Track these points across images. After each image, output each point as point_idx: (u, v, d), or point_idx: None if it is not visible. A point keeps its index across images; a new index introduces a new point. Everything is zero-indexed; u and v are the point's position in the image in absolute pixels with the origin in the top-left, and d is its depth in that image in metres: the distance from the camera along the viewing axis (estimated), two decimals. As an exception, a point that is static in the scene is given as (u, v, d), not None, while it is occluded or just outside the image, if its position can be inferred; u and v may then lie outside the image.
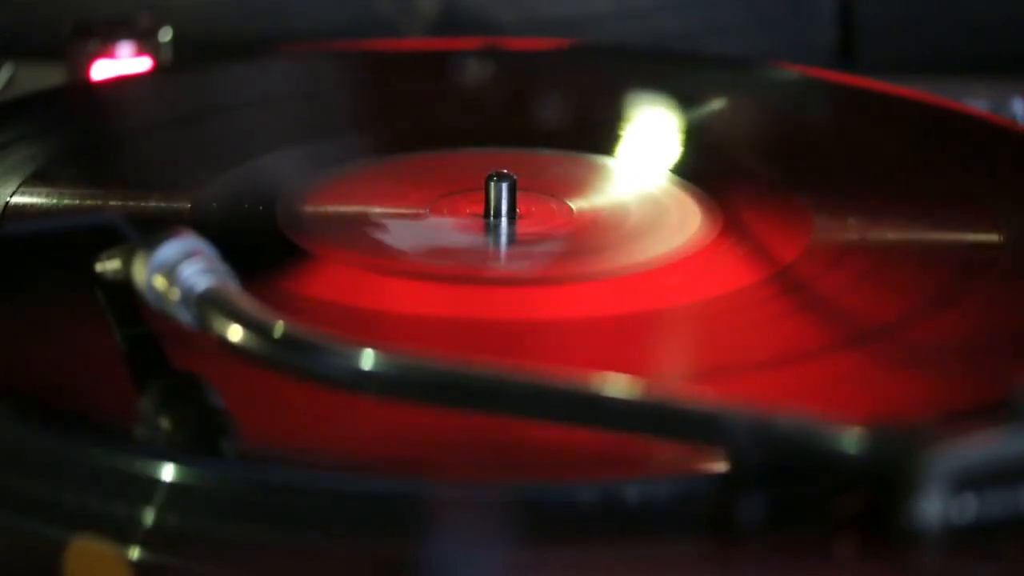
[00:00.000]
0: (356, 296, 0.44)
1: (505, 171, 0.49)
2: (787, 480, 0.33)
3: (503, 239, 0.49)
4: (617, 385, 0.33)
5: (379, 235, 0.48)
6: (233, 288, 0.37)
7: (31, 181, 0.50)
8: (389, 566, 0.32)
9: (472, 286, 0.45)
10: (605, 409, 0.33)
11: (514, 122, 0.60)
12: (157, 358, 0.40)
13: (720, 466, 0.33)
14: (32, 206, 0.49)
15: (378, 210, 0.50)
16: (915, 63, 0.74)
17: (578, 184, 0.52)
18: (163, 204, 0.50)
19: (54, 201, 0.50)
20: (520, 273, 0.47)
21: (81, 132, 0.57)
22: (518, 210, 0.49)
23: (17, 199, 0.49)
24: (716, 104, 0.61)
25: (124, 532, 0.32)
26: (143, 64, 0.65)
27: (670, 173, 0.53)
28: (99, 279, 0.40)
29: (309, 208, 0.50)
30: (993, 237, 0.48)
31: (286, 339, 0.35)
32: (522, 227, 0.49)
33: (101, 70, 0.64)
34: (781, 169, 0.54)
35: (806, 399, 0.38)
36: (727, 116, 0.60)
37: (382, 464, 0.35)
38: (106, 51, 0.64)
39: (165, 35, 0.66)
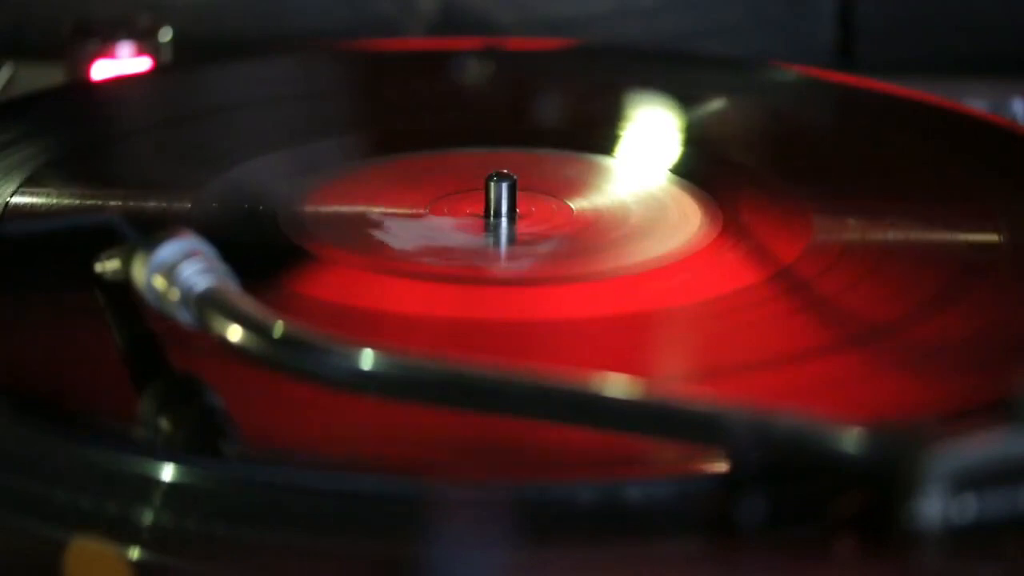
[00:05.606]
0: (356, 296, 0.44)
1: (505, 171, 0.49)
2: (787, 480, 0.33)
3: (503, 239, 0.48)
4: (617, 385, 0.33)
5: (379, 235, 0.48)
6: (233, 288, 0.37)
7: (31, 181, 0.50)
8: (389, 566, 0.32)
9: (472, 286, 0.45)
10: (605, 409, 0.33)
11: (514, 122, 0.60)
12: (157, 358, 0.40)
13: (720, 466, 0.33)
14: (32, 206, 0.49)
15: (378, 210, 0.50)
16: (915, 63, 0.74)
17: (578, 184, 0.52)
18: (163, 204, 0.50)
19: (54, 201, 0.49)
20: (520, 273, 0.47)
21: (81, 132, 0.57)
22: (518, 210, 0.49)
23: (17, 199, 0.49)
24: (716, 104, 0.61)
25: (123, 532, 0.32)
26: (143, 64, 0.65)
27: (670, 173, 0.53)
28: (99, 279, 0.40)
29: (309, 208, 0.50)
30: (993, 237, 0.48)
31: (286, 339, 0.35)
32: (522, 227, 0.49)
33: (101, 70, 0.64)
34: (781, 169, 0.54)
35: (806, 399, 0.38)
36: (727, 116, 0.60)
37: (382, 464, 0.35)
38: (106, 51, 0.64)
39: (165, 35, 0.66)
